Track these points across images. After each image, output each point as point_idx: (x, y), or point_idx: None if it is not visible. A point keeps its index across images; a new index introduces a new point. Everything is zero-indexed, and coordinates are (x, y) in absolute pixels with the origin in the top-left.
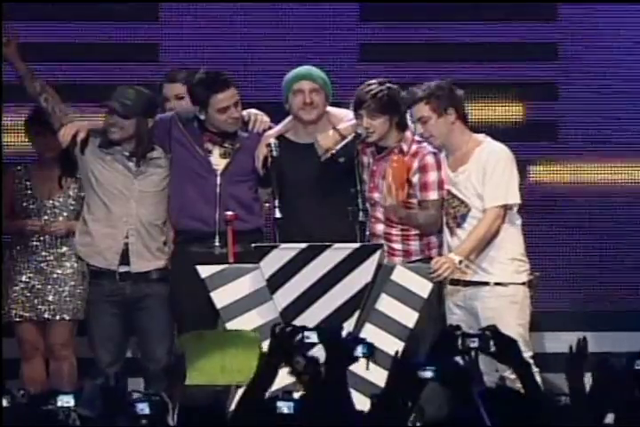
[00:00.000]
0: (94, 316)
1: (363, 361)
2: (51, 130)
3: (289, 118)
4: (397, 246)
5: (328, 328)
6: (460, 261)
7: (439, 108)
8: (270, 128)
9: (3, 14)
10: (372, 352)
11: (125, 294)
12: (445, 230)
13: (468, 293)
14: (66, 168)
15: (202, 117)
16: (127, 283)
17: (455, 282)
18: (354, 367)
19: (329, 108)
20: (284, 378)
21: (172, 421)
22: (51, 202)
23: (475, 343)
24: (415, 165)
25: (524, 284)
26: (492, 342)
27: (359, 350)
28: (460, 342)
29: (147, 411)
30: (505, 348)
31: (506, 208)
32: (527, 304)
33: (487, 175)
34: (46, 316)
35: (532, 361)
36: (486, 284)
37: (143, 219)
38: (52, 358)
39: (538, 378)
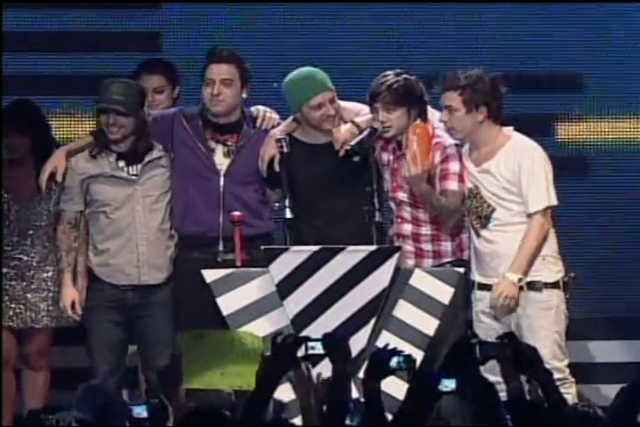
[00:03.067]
0: (93, 322)
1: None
2: (17, 127)
3: (292, 117)
4: (427, 247)
5: (334, 338)
6: (520, 279)
7: (471, 102)
8: (279, 125)
9: (2, 15)
10: (410, 364)
11: (127, 300)
12: (471, 232)
13: None
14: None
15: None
16: (128, 288)
17: (484, 287)
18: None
19: (341, 103)
20: (291, 392)
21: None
22: (31, 204)
23: (492, 353)
24: (437, 158)
25: (558, 287)
26: (509, 353)
27: (394, 362)
28: (477, 351)
29: (144, 414)
30: (524, 356)
31: (548, 209)
32: (563, 310)
33: (526, 177)
34: (29, 324)
35: (567, 371)
36: (519, 288)
37: (151, 224)
38: (27, 367)
39: (572, 389)
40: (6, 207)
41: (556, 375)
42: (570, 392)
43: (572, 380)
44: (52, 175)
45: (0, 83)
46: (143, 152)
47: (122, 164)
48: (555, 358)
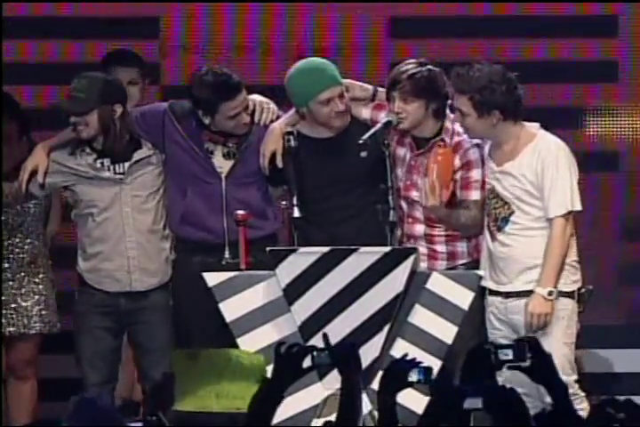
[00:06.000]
0: (82, 329)
1: None
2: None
3: (294, 110)
4: (441, 249)
5: (342, 347)
6: (550, 292)
7: (482, 108)
8: (279, 117)
9: (3, 15)
10: (430, 378)
11: (119, 305)
12: (486, 234)
13: (510, 305)
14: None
15: (205, 121)
16: (120, 294)
17: (494, 293)
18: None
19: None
20: (299, 404)
21: None
22: (18, 208)
23: (508, 356)
24: (457, 161)
25: (573, 297)
26: (528, 356)
27: (413, 376)
28: (493, 355)
29: None
30: (541, 364)
31: (570, 214)
32: (575, 321)
33: (549, 179)
34: (21, 330)
35: (576, 386)
36: (530, 294)
37: (141, 226)
38: (14, 377)
39: (584, 404)
40: None
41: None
42: (582, 408)
43: (583, 395)
44: (34, 173)
45: (0, 77)
46: (130, 150)
47: (107, 162)
48: (563, 373)
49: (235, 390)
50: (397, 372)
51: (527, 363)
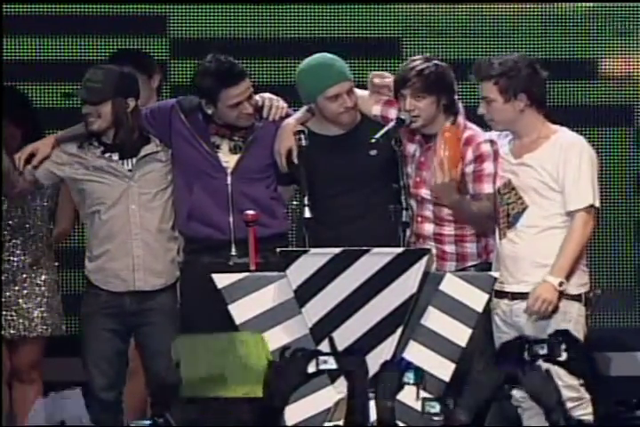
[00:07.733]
0: (87, 331)
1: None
2: (10, 116)
3: (307, 107)
4: (450, 249)
5: (349, 353)
6: (561, 283)
7: (508, 91)
8: (288, 115)
9: (2, 15)
10: (422, 379)
11: (124, 306)
12: (496, 233)
13: (515, 308)
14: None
15: (209, 112)
16: (125, 294)
17: (499, 294)
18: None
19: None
20: (310, 407)
21: None
22: (22, 201)
23: (544, 350)
24: (469, 155)
25: (579, 300)
26: (562, 350)
27: (407, 377)
28: (526, 349)
29: None
30: (577, 356)
31: (592, 209)
32: (582, 324)
33: (572, 173)
34: (22, 332)
35: (582, 389)
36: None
37: (148, 224)
38: (18, 381)
39: (590, 409)
40: None
41: (572, 394)
42: (588, 412)
43: (588, 398)
44: (32, 157)
45: (0, 83)
46: (138, 146)
47: (115, 157)
48: (568, 375)
49: (241, 374)
50: (393, 375)
51: (563, 357)
